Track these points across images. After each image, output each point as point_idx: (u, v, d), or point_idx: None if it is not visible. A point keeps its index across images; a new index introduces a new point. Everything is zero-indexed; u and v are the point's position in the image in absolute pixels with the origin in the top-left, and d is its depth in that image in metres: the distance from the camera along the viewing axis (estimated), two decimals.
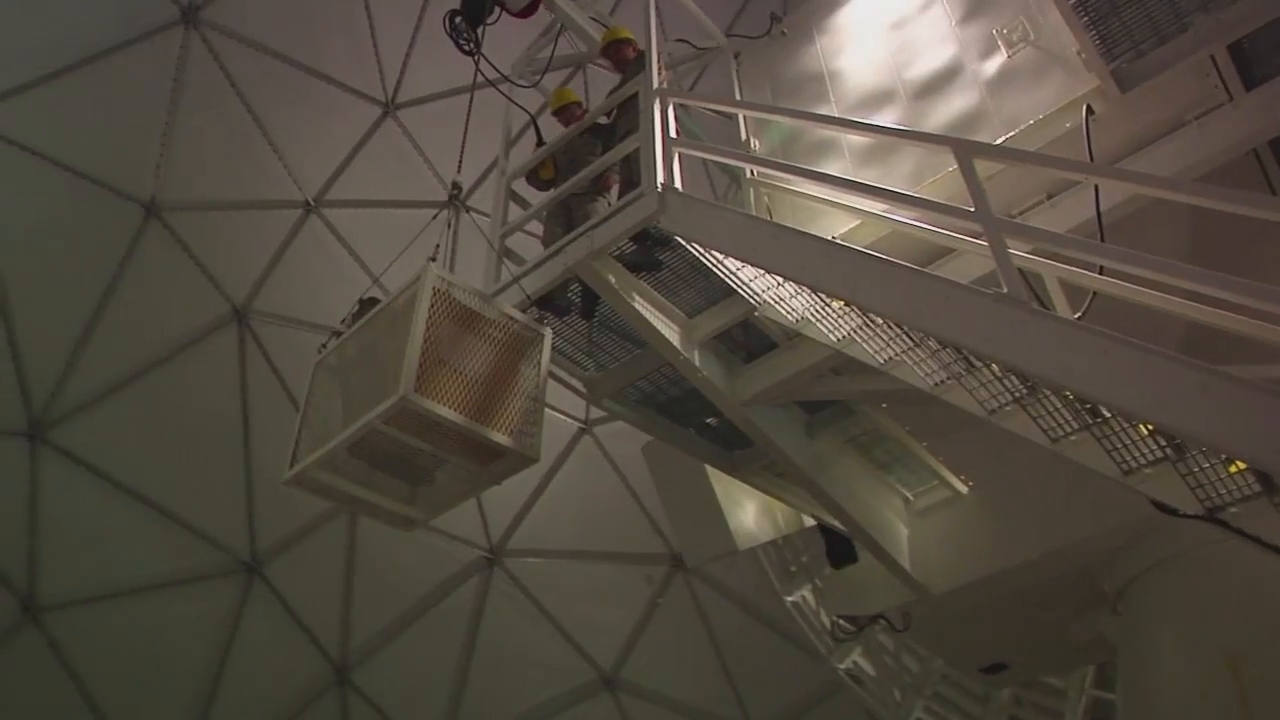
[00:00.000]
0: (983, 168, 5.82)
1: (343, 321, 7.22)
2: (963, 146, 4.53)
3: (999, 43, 6.38)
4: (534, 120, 7.77)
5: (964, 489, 8.02)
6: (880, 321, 5.26)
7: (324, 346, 6.89)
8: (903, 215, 5.96)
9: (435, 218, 7.36)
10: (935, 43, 6.76)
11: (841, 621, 8.82)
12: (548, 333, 6.32)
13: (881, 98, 6.85)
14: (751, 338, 6.91)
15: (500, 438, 5.89)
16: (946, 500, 8.11)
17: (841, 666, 12.53)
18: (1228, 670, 6.23)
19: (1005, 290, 3.96)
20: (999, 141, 6.01)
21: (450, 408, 5.68)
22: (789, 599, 12.40)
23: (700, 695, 16.42)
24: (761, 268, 5.18)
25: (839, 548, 8.63)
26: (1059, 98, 5.90)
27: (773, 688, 16.13)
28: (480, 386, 5.96)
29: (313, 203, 15.50)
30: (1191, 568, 6.96)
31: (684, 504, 8.70)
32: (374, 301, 7.26)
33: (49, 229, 13.67)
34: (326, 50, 15.17)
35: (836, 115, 6.92)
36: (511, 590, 16.39)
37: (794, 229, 5.11)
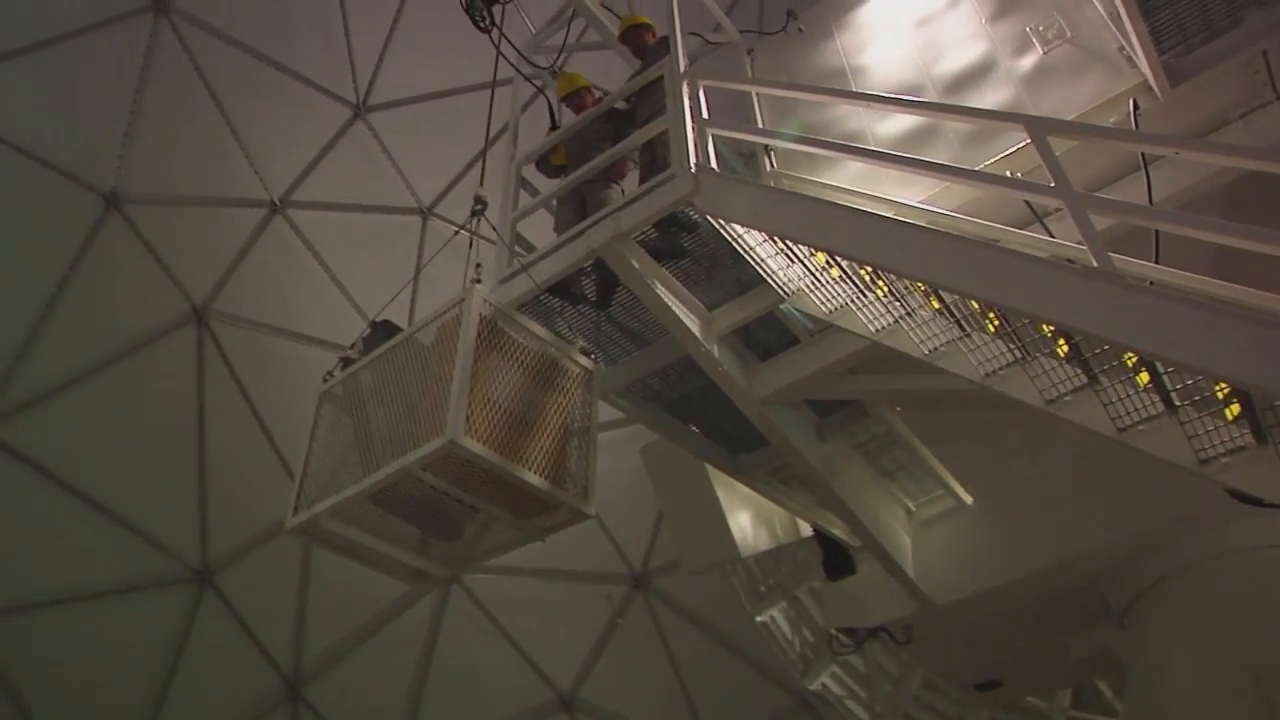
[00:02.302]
0: (1026, 160, 5.78)
1: (351, 347, 6.69)
2: (1036, 123, 4.39)
3: (1033, 40, 6.30)
4: (550, 104, 7.53)
5: (969, 499, 7.88)
6: (928, 311, 5.12)
7: (331, 374, 6.37)
8: (940, 206, 5.86)
9: (457, 234, 6.78)
10: (965, 40, 6.68)
11: (839, 635, 8.60)
12: (597, 369, 5.98)
13: (909, 93, 6.72)
14: (770, 334, 6.71)
15: (555, 490, 5.42)
16: (950, 510, 7.96)
17: (811, 688, 12.33)
18: (1251, 684, 6.12)
19: (1095, 264, 3.80)
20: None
21: (500, 453, 5.16)
22: (759, 619, 12.18)
23: (659, 717, 16.11)
24: (816, 247, 4.97)
25: (836, 559, 8.44)
26: (1101, 93, 5.82)
27: (733, 711, 15.89)
28: (529, 429, 5.46)
29: (278, 203, 15.08)
30: (1205, 580, 6.88)
31: (684, 509, 8.47)
32: (389, 325, 6.70)
33: (3, 216, 13.05)
34: (299, 47, 14.83)
35: (862, 111, 6.77)
36: (469, 607, 15.95)
37: (853, 206, 4.92)
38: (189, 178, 14.49)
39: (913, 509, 8.14)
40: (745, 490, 8.23)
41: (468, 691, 15.91)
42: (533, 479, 5.32)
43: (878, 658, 11.02)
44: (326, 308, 15.40)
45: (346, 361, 6.46)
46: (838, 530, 8.15)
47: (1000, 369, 4.89)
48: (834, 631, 8.62)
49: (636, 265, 5.91)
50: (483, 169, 7.12)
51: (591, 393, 6.06)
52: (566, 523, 5.89)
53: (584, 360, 6.10)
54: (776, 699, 15.43)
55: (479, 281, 5.95)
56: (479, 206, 6.62)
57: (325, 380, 6.38)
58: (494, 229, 6.56)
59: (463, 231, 6.67)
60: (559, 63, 8.02)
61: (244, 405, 14.90)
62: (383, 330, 6.74)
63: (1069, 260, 4.82)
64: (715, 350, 6.30)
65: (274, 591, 15.10)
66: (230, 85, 14.36)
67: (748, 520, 8.46)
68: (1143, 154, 5.34)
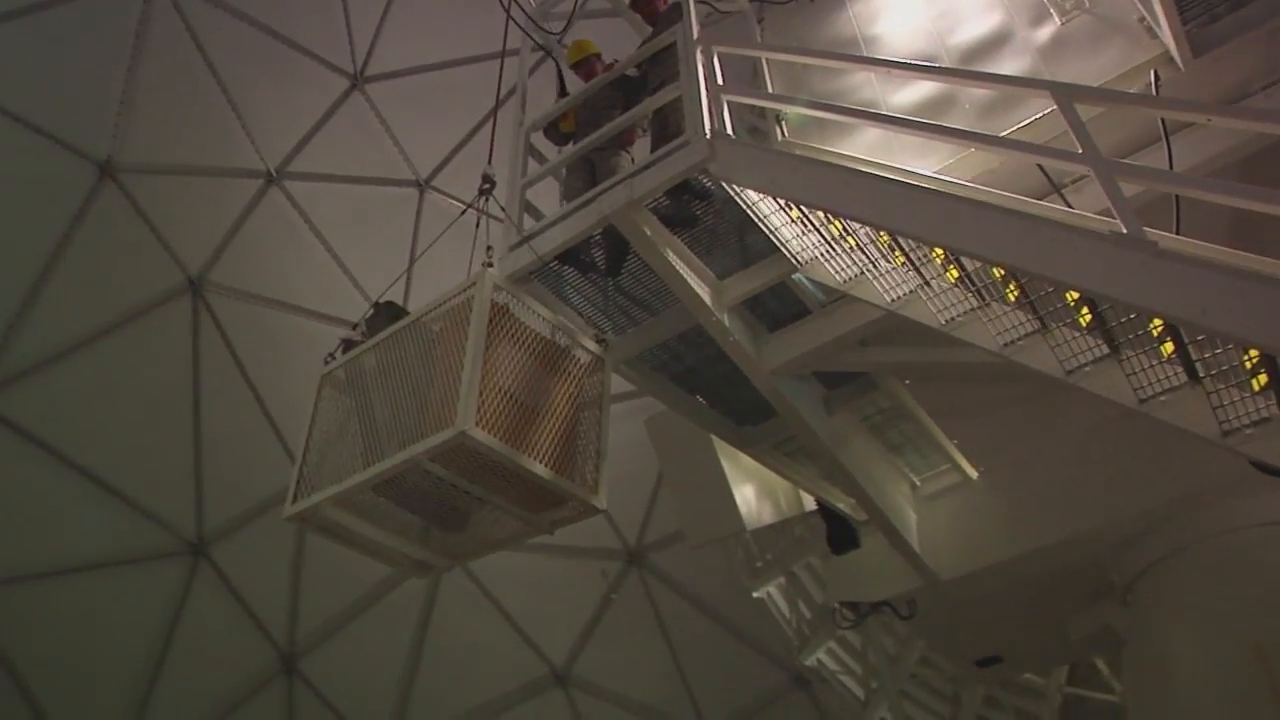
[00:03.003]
0: (1042, 131, 5.73)
1: (355, 328, 6.50)
2: (1063, 89, 4.33)
3: (1050, 10, 6.23)
4: (559, 68, 7.44)
5: (974, 474, 7.87)
6: (946, 281, 5.07)
7: (332, 356, 6.23)
8: (955, 176, 5.81)
9: (463, 213, 6.61)
10: (980, 9, 6.60)
11: (842, 609, 8.59)
12: (609, 358, 5.88)
13: (924, 63, 6.65)
14: (780, 304, 6.66)
15: (566, 484, 5.33)
16: (954, 485, 7.97)
17: (807, 663, 12.36)
18: (1256, 661, 6.13)
19: (1125, 231, 3.75)
20: (1049, 110, 5.78)
21: (512, 445, 5.07)
22: (756, 594, 12.21)
23: (653, 693, 16.18)
24: (837, 214, 4.91)
25: (840, 533, 8.42)
26: (1120, 64, 5.75)
27: (726, 687, 15.96)
28: (540, 420, 5.35)
29: (275, 174, 14.93)
30: (1209, 557, 6.89)
31: (689, 482, 8.43)
32: (393, 306, 6.56)
33: None
34: (296, 16, 14.63)
35: (876, 81, 6.70)
36: (464, 582, 15.91)
37: (874, 173, 4.87)
38: (184, 147, 14.30)
39: (917, 484, 8.14)
40: (749, 463, 8.20)
41: (462, 665, 15.92)
42: (544, 472, 5.23)
43: (876, 635, 11.06)
44: (322, 280, 15.31)
45: (348, 344, 6.31)
46: (843, 504, 8.14)
47: (1019, 339, 4.84)
48: (837, 605, 8.60)
49: (649, 232, 5.84)
50: (491, 146, 6.97)
51: (604, 380, 5.96)
52: (575, 517, 5.79)
53: (595, 346, 6.01)
54: (770, 675, 15.50)
55: (490, 265, 5.82)
56: (487, 185, 6.45)
57: (327, 362, 6.23)
58: (502, 209, 6.41)
59: (470, 210, 6.53)
60: (566, 32, 7.91)
61: (239, 377, 14.81)
62: (386, 312, 6.54)
63: None
64: (726, 320, 6.25)
65: (269, 564, 15.05)
66: (227, 54, 14.17)
67: (752, 493, 8.44)
68: (1164, 124, 5.29)
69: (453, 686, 15.78)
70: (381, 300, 6.70)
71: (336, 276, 15.38)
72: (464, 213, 6.62)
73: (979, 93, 6.16)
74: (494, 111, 6.93)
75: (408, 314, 6.29)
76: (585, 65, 7.30)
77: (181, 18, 13.69)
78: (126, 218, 13.84)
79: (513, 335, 5.50)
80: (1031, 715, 11.48)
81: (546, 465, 5.28)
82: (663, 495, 15.14)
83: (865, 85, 6.79)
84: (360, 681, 15.62)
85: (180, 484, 14.57)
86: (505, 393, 5.23)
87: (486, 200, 6.42)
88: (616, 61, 6.98)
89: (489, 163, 6.67)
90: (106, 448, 13.95)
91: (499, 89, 6.93)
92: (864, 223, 4.75)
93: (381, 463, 5.24)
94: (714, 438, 8.09)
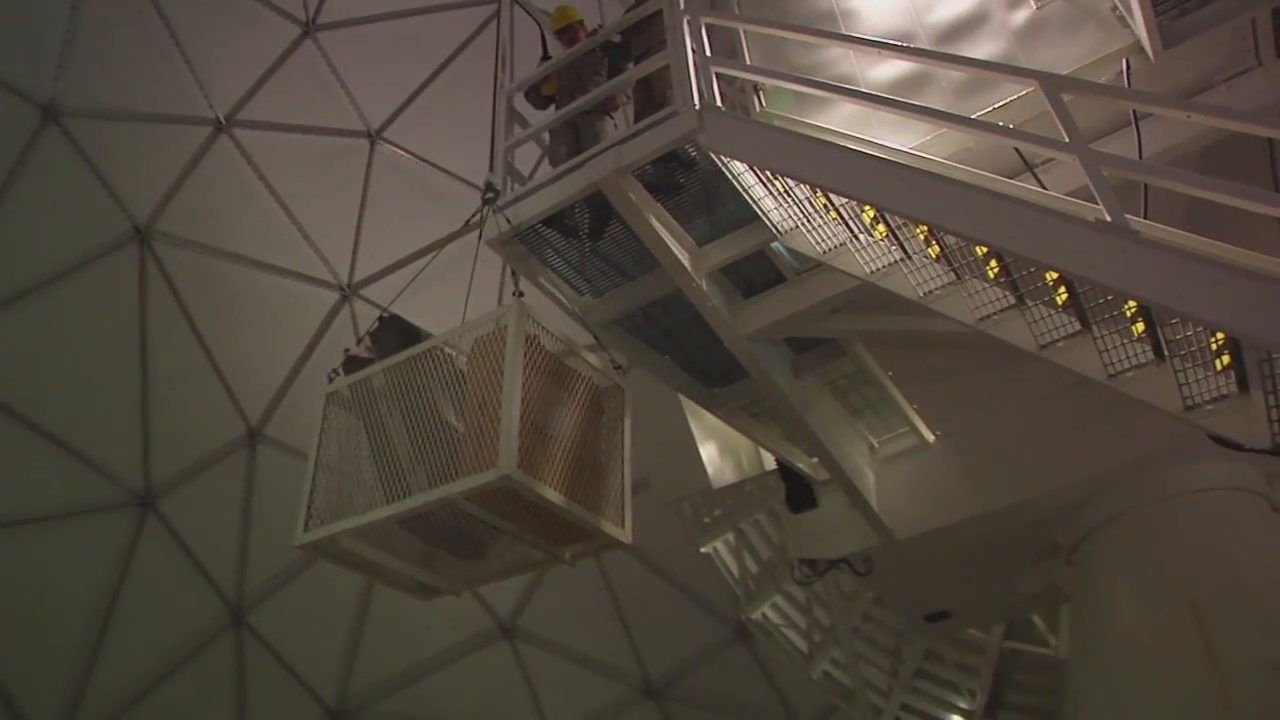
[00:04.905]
0: (1016, 111, 5.95)
1: (359, 343, 6.38)
2: (1050, 80, 4.54)
3: None
4: (539, 25, 7.48)
5: (930, 438, 8.17)
6: (927, 256, 5.29)
7: (336, 373, 6.18)
8: (931, 153, 6.01)
9: (468, 222, 6.61)
10: None
11: (802, 565, 8.90)
12: (628, 388, 5.93)
13: (901, 40, 6.81)
14: (755, 271, 6.84)
15: (598, 522, 5.37)
16: (912, 449, 8.26)
17: (753, 617, 12.72)
18: (1190, 615, 6.56)
19: (1109, 219, 3.99)
20: (1027, 92, 6.01)
21: (545, 481, 5.08)
22: (703, 550, 12.51)
23: (597, 646, 16.43)
24: (828, 189, 5.08)
25: (799, 493, 8.70)
26: (1092, 51, 5.99)
27: (669, 639, 16.24)
28: (568, 451, 5.36)
29: (224, 121, 14.63)
30: (1150, 520, 7.29)
31: (658, 441, 8.61)
32: (399, 321, 6.49)
33: None
34: None
35: (854, 56, 6.86)
36: None
37: (864, 150, 5.04)
38: (131, 91, 13.91)
39: (876, 446, 8.42)
40: (712, 422, 8.43)
41: (410, 618, 15.91)
42: (577, 511, 5.28)
43: (823, 590, 11.43)
44: (271, 230, 15.11)
45: (351, 359, 6.22)
46: (803, 464, 8.40)
47: (995, 313, 5.09)
48: (796, 561, 8.90)
49: (634, 198, 5.96)
50: (491, 154, 6.87)
51: (625, 410, 6.04)
52: (597, 550, 5.88)
53: (615, 377, 6.08)
54: (712, 628, 15.84)
55: (522, 295, 5.81)
56: (490, 194, 6.42)
57: (330, 379, 6.17)
58: (508, 220, 6.39)
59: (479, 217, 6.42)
60: None
61: (187, 328, 14.58)
62: (393, 326, 6.46)
63: None
64: (704, 285, 6.41)
65: (217, 517, 14.94)
66: None
67: (716, 452, 8.68)
68: (1135, 114, 5.54)
69: (400, 639, 15.86)
70: (387, 314, 6.60)
71: (285, 227, 15.19)
72: (467, 223, 6.60)
73: (955, 72, 6.35)
74: (493, 105, 6.88)
75: (415, 328, 6.26)
76: (569, 31, 7.34)
77: None
78: (71, 163, 13.44)
79: (540, 367, 5.53)
80: (970, 668, 11.97)
81: (576, 500, 5.33)
82: None
83: (843, 59, 6.96)
84: (309, 634, 15.63)
85: (127, 436, 14.34)
86: (537, 427, 5.27)
87: (491, 210, 6.39)
88: (601, 27, 7.05)
89: (490, 169, 6.61)
90: (52, 399, 13.64)
91: (498, 51, 6.94)
92: (856, 199, 4.93)
93: (413, 498, 5.26)
94: (681, 398, 8.28)
